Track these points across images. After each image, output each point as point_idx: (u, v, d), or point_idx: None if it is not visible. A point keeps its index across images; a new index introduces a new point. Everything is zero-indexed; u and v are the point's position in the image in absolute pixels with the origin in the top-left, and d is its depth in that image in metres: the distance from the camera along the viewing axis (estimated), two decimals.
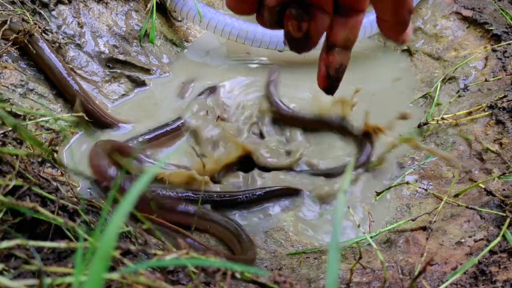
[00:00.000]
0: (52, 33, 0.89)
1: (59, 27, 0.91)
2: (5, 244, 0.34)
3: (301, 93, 0.97)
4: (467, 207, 0.65)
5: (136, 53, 0.98)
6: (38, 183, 0.50)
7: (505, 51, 0.94)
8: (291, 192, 0.78)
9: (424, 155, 0.83)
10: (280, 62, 1.04)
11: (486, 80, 0.89)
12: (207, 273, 0.35)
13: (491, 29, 0.98)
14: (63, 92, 0.85)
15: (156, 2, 0.99)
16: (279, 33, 0.96)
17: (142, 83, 0.96)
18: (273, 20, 0.52)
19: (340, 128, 0.87)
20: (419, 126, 0.87)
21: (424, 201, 0.75)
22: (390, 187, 0.77)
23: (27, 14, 0.85)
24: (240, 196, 0.76)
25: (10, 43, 0.79)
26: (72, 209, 0.51)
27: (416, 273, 0.54)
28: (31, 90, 0.82)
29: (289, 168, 0.81)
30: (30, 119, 0.66)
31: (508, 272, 0.55)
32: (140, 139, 0.83)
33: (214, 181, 0.79)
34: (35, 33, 0.82)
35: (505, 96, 0.84)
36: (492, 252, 0.59)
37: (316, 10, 0.52)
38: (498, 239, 0.59)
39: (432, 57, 1.04)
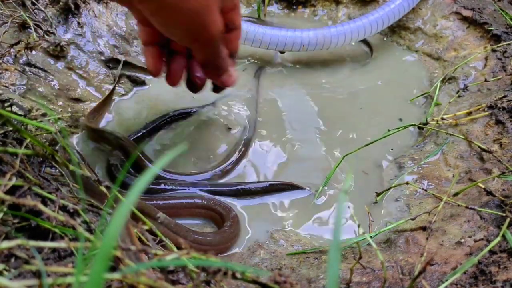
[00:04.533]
0: (54, 34, 0.89)
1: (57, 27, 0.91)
2: (6, 244, 0.34)
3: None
4: (466, 207, 0.65)
5: (136, 53, 0.98)
6: (38, 183, 0.50)
7: (505, 51, 0.94)
8: (293, 188, 0.79)
9: (424, 155, 0.83)
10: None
11: (486, 80, 0.89)
12: (208, 273, 0.35)
13: (491, 29, 0.98)
14: None
15: None
16: (280, 34, 0.96)
17: (142, 83, 0.96)
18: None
19: None
20: (419, 127, 0.87)
21: (424, 201, 0.75)
22: (390, 187, 0.77)
23: (31, 22, 0.85)
24: (242, 187, 0.77)
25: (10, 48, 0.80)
26: (72, 209, 0.51)
27: (416, 273, 0.54)
28: (31, 90, 0.82)
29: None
30: (30, 119, 0.66)
31: (508, 272, 0.55)
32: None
33: None
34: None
35: (505, 96, 0.84)
36: (492, 252, 0.59)
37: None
38: (498, 239, 0.59)
39: (432, 57, 1.04)
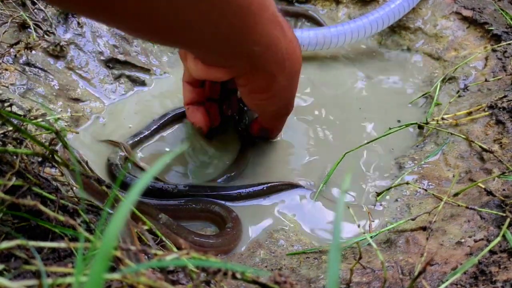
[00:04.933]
0: (54, 34, 0.89)
1: (57, 27, 0.91)
2: (5, 244, 0.34)
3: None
4: (467, 207, 0.65)
5: (136, 53, 0.98)
6: (38, 183, 0.50)
7: (505, 51, 0.94)
8: (292, 187, 0.79)
9: (424, 155, 0.83)
10: None
11: (486, 80, 0.89)
12: (208, 273, 0.35)
13: (491, 29, 0.98)
14: None
15: None
16: None
17: (142, 83, 0.96)
18: None
19: None
20: (419, 127, 0.87)
21: (424, 201, 0.75)
22: (390, 187, 0.77)
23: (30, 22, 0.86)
24: (242, 191, 0.77)
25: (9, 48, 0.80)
26: (72, 209, 0.51)
27: (416, 273, 0.54)
28: (31, 90, 0.82)
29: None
30: (30, 119, 0.66)
31: (508, 272, 0.55)
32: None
33: None
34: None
35: (505, 96, 0.84)
36: (492, 252, 0.59)
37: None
38: (498, 239, 0.59)
39: (432, 57, 1.04)
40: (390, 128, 0.82)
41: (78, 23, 0.93)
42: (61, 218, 0.41)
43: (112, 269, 0.42)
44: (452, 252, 0.63)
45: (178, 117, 0.89)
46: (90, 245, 0.40)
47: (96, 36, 0.94)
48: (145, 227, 0.55)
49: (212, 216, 0.73)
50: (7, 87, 0.80)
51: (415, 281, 0.47)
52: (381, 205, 0.76)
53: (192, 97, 0.78)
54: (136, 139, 0.84)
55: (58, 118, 0.81)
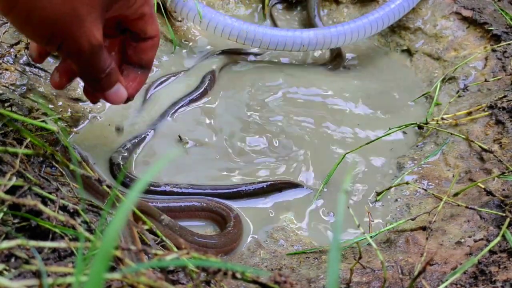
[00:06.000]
0: None
1: None
2: (6, 244, 0.35)
3: None
4: (467, 207, 0.65)
5: None
6: (38, 183, 0.50)
7: (505, 51, 0.94)
8: (293, 186, 0.79)
9: (424, 155, 0.83)
10: None
11: (486, 80, 0.89)
12: (208, 273, 0.35)
13: (491, 29, 0.98)
14: None
15: (156, 3, 0.98)
16: (280, 34, 0.96)
17: None
18: None
19: None
20: (419, 127, 0.87)
21: (424, 201, 0.75)
22: (390, 187, 0.77)
23: None
24: (243, 189, 0.77)
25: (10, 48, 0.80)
26: (72, 209, 0.51)
27: (416, 273, 0.54)
28: (31, 90, 0.83)
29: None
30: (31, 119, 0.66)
31: (508, 272, 0.55)
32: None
33: None
34: None
35: (505, 96, 0.84)
36: (491, 252, 0.59)
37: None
38: (498, 239, 0.59)
39: (432, 57, 1.04)
40: (390, 128, 0.82)
41: None
42: (61, 218, 0.41)
43: (113, 269, 0.42)
44: (452, 252, 0.63)
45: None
46: (90, 245, 0.40)
47: None
48: (146, 227, 0.55)
49: (213, 215, 0.73)
50: (7, 87, 0.80)
51: (415, 281, 0.47)
52: (382, 205, 0.76)
53: None
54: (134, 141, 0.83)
55: (58, 118, 0.81)
